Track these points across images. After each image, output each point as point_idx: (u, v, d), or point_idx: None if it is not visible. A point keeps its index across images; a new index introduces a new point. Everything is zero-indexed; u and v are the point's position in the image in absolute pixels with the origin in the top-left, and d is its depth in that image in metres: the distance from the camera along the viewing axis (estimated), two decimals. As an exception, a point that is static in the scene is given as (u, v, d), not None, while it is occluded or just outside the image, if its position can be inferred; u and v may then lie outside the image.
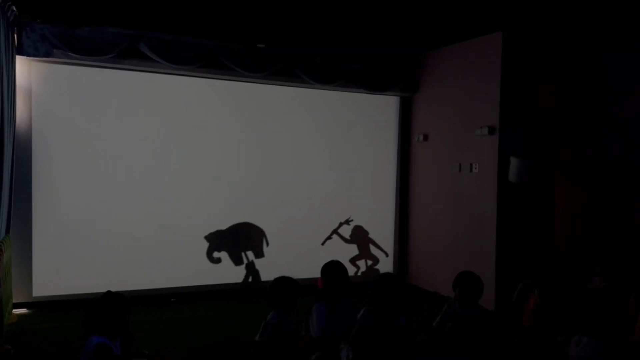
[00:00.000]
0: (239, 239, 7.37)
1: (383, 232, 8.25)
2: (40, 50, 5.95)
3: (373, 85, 7.81)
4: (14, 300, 6.06)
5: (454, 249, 7.17)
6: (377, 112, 8.19)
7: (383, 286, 3.92)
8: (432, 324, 4.21)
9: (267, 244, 7.49)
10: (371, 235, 8.13)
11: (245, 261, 7.40)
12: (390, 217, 8.31)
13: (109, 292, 3.23)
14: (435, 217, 7.65)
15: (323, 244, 7.75)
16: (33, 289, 6.25)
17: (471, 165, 6.91)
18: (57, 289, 6.33)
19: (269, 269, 7.31)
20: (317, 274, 4.26)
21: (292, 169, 7.62)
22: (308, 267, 6.22)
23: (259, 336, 3.69)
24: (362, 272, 7.99)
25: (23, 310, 6.14)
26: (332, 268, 4.14)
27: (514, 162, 6.36)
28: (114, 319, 3.08)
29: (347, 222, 7.93)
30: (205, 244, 7.14)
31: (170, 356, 4.50)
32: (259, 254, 7.46)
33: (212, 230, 7.15)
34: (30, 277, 6.23)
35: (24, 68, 6.11)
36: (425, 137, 7.89)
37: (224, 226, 7.22)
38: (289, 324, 3.71)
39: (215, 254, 7.19)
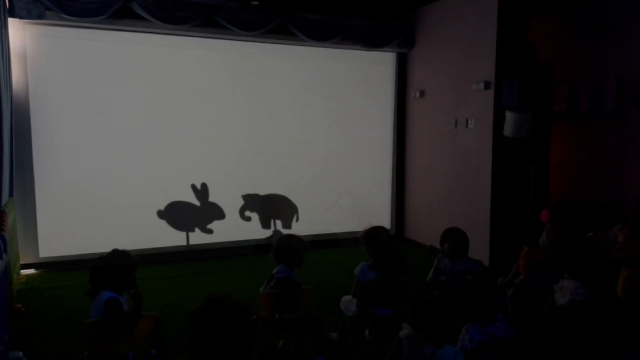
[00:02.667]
0: (271, 207, 7.65)
1: (380, 188, 8.36)
2: (32, 12, 5.89)
3: (369, 41, 7.75)
4: (22, 262, 6.22)
5: (450, 204, 7.29)
6: (374, 69, 8.15)
7: (374, 238, 4.07)
8: (426, 278, 4.36)
9: (297, 219, 7.72)
10: (369, 191, 8.22)
11: (272, 228, 7.66)
12: (387, 172, 8.40)
13: (115, 250, 3.36)
14: (431, 172, 7.74)
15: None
16: (39, 250, 6.41)
17: (467, 120, 6.94)
18: (63, 250, 6.50)
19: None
20: (314, 231, 4.34)
21: (287, 127, 7.65)
22: (302, 226, 6.30)
23: (264, 288, 3.83)
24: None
25: (31, 271, 6.31)
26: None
27: (509, 116, 6.38)
28: (120, 274, 3.20)
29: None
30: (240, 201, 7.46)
31: (175, 310, 4.64)
32: (287, 226, 7.73)
33: (212, 191, 7.27)
34: (36, 238, 6.38)
35: (18, 31, 6.07)
36: (422, 94, 7.88)
37: (222, 187, 7.31)
38: (294, 277, 3.84)
39: (247, 213, 7.51)
